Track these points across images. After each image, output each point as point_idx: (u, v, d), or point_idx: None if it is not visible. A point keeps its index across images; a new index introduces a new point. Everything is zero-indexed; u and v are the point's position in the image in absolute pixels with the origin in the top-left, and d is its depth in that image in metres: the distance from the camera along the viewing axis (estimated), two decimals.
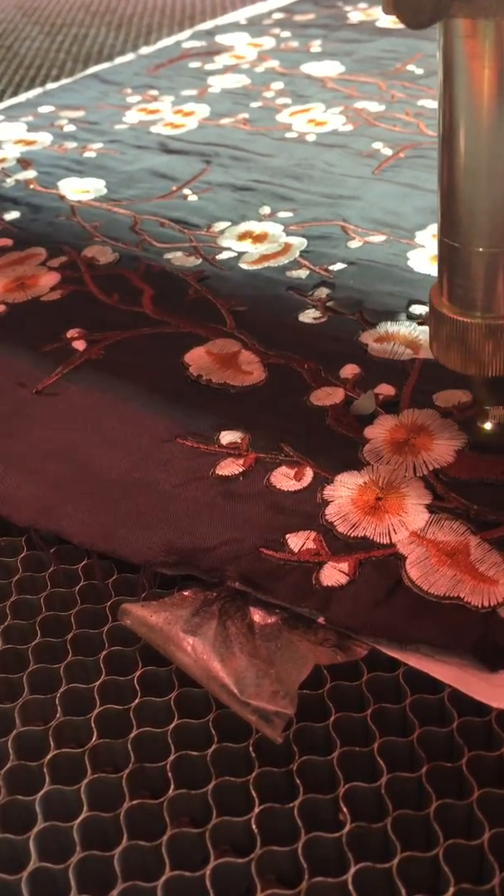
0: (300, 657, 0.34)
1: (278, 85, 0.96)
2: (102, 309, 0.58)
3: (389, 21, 1.15)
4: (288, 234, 0.65)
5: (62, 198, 0.74)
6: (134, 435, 0.47)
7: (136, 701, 0.34)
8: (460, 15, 0.33)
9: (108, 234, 0.67)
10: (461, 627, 0.35)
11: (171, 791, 0.31)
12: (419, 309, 0.55)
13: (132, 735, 0.33)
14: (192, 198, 0.72)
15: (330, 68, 0.99)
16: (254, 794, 0.31)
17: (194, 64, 1.06)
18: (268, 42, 1.11)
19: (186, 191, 0.74)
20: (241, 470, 0.44)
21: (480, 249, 0.38)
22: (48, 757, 0.32)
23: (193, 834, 0.30)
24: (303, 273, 0.60)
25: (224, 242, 0.65)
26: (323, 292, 0.58)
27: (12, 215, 0.72)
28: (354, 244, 0.63)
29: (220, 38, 1.14)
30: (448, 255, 0.39)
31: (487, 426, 0.44)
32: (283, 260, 0.62)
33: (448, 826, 0.29)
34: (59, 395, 0.51)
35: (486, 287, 0.38)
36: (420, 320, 0.53)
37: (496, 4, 0.33)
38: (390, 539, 0.39)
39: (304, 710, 0.33)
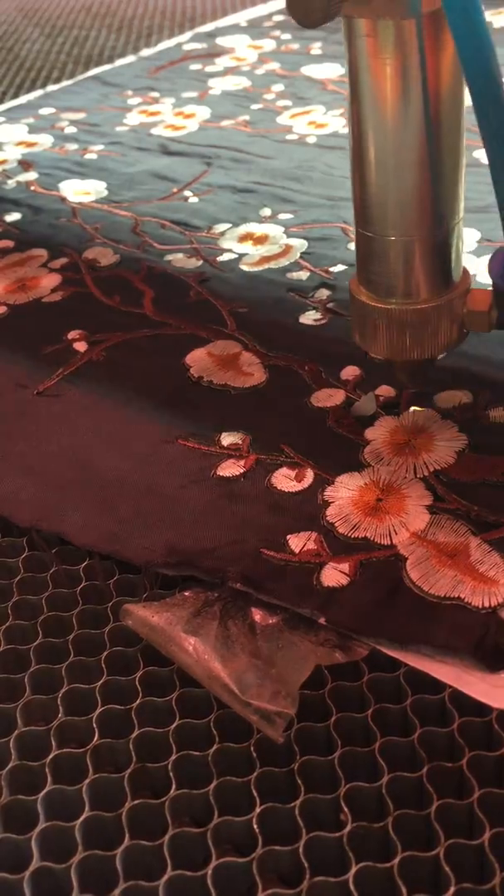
0: (301, 657, 0.34)
1: (279, 87, 0.96)
2: (103, 310, 0.58)
3: None
4: (289, 235, 0.65)
5: (63, 199, 0.75)
6: (135, 436, 0.47)
7: (138, 701, 0.34)
8: (357, 15, 0.34)
9: (109, 236, 0.68)
10: (462, 628, 0.35)
11: (172, 791, 0.31)
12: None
13: (134, 735, 0.33)
14: (193, 200, 0.72)
15: (330, 70, 0.99)
16: (255, 794, 0.31)
17: (195, 66, 1.06)
18: (268, 44, 1.11)
19: (187, 193, 0.74)
20: (242, 471, 0.44)
21: (393, 238, 0.38)
22: (50, 757, 0.33)
23: (195, 833, 0.30)
24: (303, 275, 0.60)
25: (225, 244, 0.65)
26: (323, 294, 0.58)
27: (13, 217, 0.73)
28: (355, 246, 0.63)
29: (221, 41, 1.14)
30: (364, 245, 0.40)
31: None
32: (284, 261, 0.62)
33: (449, 826, 0.29)
34: (60, 396, 0.51)
35: (402, 273, 0.39)
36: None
37: (389, 7, 0.33)
38: (391, 540, 0.39)
39: (305, 711, 0.33)
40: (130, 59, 1.12)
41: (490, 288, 0.41)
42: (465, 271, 0.42)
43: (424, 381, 0.45)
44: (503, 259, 0.40)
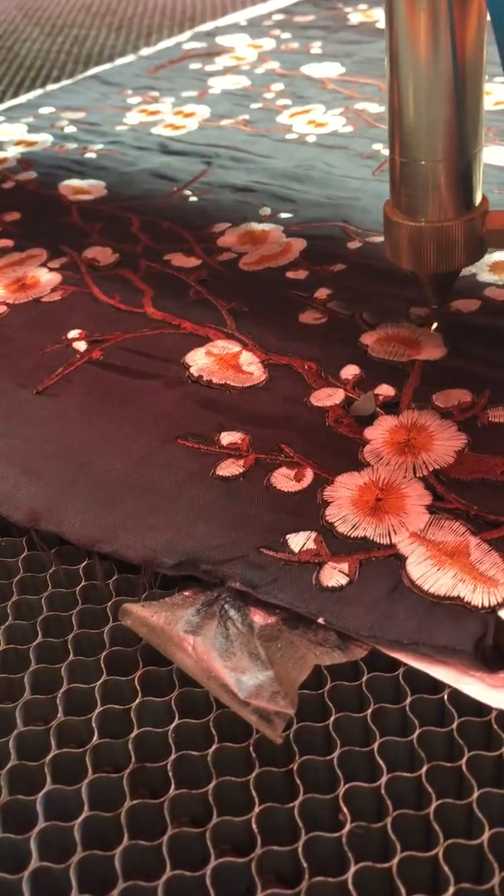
0: (300, 657, 0.34)
1: (278, 86, 0.96)
2: (103, 310, 0.58)
3: None
4: (288, 234, 0.65)
5: (63, 199, 0.75)
6: (134, 436, 0.47)
7: (137, 701, 0.34)
8: None
9: (108, 236, 0.68)
10: (461, 628, 0.35)
11: (171, 791, 0.31)
12: (419, 310, 0.55)
13: (133, 735, 0.33)
14: (193, 199, 0.72)
15: (330, 70, 0.99)
16: (254, 794, 0.31)
17: (195, 65, 1.06)
18: (268, 43, 1.11)
19: (187, 192, 0.74)
20: (241, 471, 0.44)
21: (423, 162, 0.44)
22: (49, 757, 0.32)
23: (194, 834, 0.30)
24: (303, 274, 0.60)
25: (224, 243, 0.65)
26: (323, 293, 0.58)
27: (13, 216, 0.73)
28: (355, 245, 0.63)
29: (221, 40, 1.14)
30: (398, 170, 0.46)
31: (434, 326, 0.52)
32: (284, 261, 0.62)
33: (448, 826, 0.29)
34: (59, 395, 0.51)
35: (430, 194, 0.45)
36: (420, 322, 0.54)
37: None
38: (390, 539, 0.39)
39: (304, 711, 0.33)
40: (130, 58, 1.12)
41: None
42: (485, 197, 0.47)
43: (446, 295, 0.51)
44: None
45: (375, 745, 0.32)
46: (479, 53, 0.43)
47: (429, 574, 0.37)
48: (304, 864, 0.29)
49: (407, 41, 0.42)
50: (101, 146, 0.85)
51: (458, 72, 0.42)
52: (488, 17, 0.40)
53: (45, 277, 0.63)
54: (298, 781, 0.31)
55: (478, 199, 0.47)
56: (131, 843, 0.30)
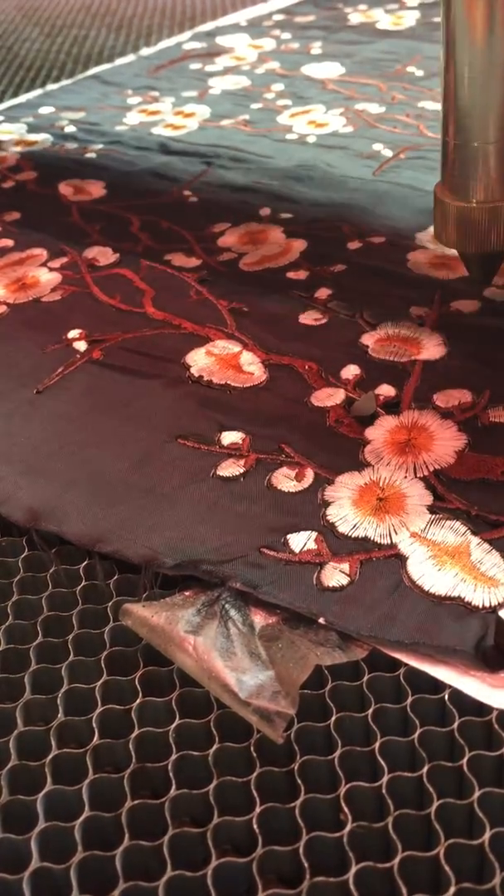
0: (301, 657, 0.34)
1: (279, 86, 0.96)
2: (103, 310, 0.58)
3: (389, 23, 1.15)
4: (288, 235, 0.65)
5: (63, 198, 0.75)
6: (135, 436, 0.47)
7: (138, 701, 0.34)
8: None
9: (108, 235, 0.67)
10: (462, 628, 0.35)
11: (172, 791, 0.31)
12: (419, 310, 0.55)
13: (133, 735, 0.33)
14: (193, 199, 0.72)
15: (330, 70, 0.99)
16: (255, 794, 0.31)
17: (195, 65, 1.06)
18: (268, 43, 1.11)
19: (187, 192, 0.74)
20: (242, 471, 0.44)
21: (475, 144, 0.46)
22: (49, 757, 0.32)
23: (195, 834, 0.30)
24: (303, 274, 0.60)
25: (225, 243, 0.65)
26: (324, 293, 0.58)
27: (13, 216, 0.73)
28: (355, 245, 0.63)
29: (221, 40, 1.14)
30: (449, 152, 0.48)
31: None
32: (284, 261, 0.62)
33: (449, 826, 0.29)
34: (60, 395, 0.51)
35: (480, 176, 0.47)
36: (420, 321, 0.54)
37: None
38: (391, 539, 0.39)
39: (304, 711, 0.33)
40: (130, 58, 1.12)
41: None
42: None
43: (493, 273, 0.53)
44: None
45: (376, 745, 0.32)
46: None
47: (429, 574, 0.37)
48: (306, 864, 0.29)
49: (464, 24, 0.44)
50: (101, 146, 0.84)
51: None
52: None
53: (46, 277, 0.63)
54: (299, 781, 0.31)
55: None
56: (132, 843, 0.30)
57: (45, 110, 0.96)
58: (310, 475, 0.43)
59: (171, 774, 0.32)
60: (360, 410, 0.47)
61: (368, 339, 0.53)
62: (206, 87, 0.98)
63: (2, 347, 0.56)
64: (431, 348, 0.51)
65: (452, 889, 0.28)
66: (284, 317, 0.56)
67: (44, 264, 0.65)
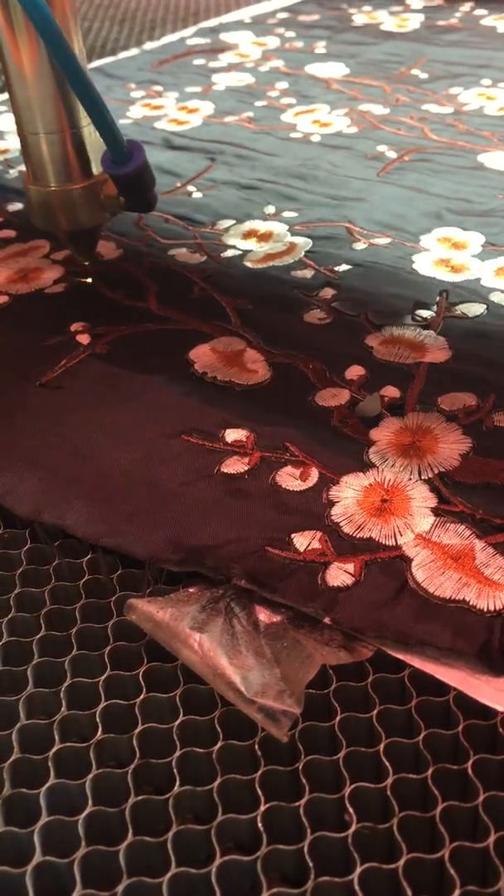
0: (306, 657, 0.34)
1: (283, 84, 0.96)
2: (106, 304, 0.58)
3: (394, 25, 1.15)
4: (293, 233, 0.65)
5: None
6: (138, 431, 0.47)
7: (142, 696, 0.34)
8: None
9: (112, 230, 0.67)
10: (466, 631, 0.35)
11: (176, 787, 0.31)
12: (424, 312, 0.55)
13: (137, 731, 0.33)
14: (197, 195, 0.72)
15: (334, 70, 0.99)
16: (259, 793, 0.31)
17: (199, 61, 1.06)
18: (272, 41, 1.11)
19: (191, 188, 0.73)
20: (246, 468, 0.44)
21: (40, 133, 0.53)
22: (53, 751, 0.32)
23: (198, 831, 0.30)
24: (308, 273, 0.60)
25: (229, 240, 0.65)
26: (328, 293, 0.58)
27: (15, 206, 0.72)
28: (359, 246, 0.63)
29: (225, 36, 1.14)
30: (24, 143, 0.54)
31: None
32: (289, 259, 0.62)
33: (454, 828, 0.29)
34: (63, 388, 0.50)
35: (51, 161, 0.54)
36: (425, 323, 0.54)
37: None
38: (396, 541, 0.39)
39: (309, 710, 0.33)
40: (134, 51, 1.11)
41: None
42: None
43: (88, 251, 0.60)
44: (108, 154, 0.53)
45: (381, 746, 0.32)
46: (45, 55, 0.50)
47: (434, 576, 0.37)
48: (310, 864, 0.29)
49: (8, 45, 0.51)
50: None
51: (54, 64, 0.50)
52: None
53: (48, 269, 0.62)
54: (304, 780, 0.31)
55: (97, 169, 0.55)
56: (135, 839, 0.30)
57: None
58: (314, 474, 0.43)
59: (174, 771, 0.31)
60: (365, 411, 0.47)
61: (373, 341, 0.53)
62: (209, 83, 0.98)
63: (4, 339, 0.55)
64: (436, 351, 0.51)
65: (457, 892, 0.28)
66: (289, 315, 0.56)
67: (46, 256, 0.64)
